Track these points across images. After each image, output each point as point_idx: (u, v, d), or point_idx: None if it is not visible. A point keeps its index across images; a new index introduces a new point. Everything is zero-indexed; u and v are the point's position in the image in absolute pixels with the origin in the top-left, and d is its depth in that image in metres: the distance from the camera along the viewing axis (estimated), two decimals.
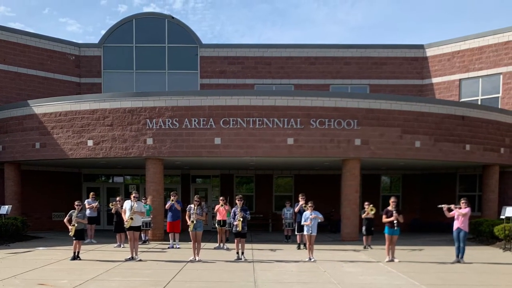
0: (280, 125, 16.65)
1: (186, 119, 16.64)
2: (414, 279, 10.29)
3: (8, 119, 18.88)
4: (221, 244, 15.55)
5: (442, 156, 17.84)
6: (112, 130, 16.96)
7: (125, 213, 12.88)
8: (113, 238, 16.31)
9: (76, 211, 12.81)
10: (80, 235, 12.94)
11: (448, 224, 13.86)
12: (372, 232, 15.85)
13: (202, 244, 13.95)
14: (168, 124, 16.67)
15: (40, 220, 21.50)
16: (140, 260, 12.60)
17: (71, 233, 12.65)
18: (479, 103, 21.74)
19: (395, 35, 62.77)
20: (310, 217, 12.90)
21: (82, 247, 13.46)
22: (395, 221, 12.71)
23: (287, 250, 15.13)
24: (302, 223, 13.39)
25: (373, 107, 17.05)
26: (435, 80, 23.41)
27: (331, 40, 65.30)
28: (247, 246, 13.95)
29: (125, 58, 23.71)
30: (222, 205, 15.42)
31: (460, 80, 22.65)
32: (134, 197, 12.88)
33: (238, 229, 12.81)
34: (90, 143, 17.17)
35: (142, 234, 15.76)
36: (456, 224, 12.89)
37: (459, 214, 12.78)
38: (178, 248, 15.34)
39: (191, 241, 12.96)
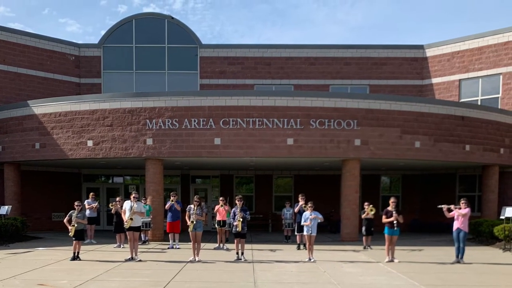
0: (280, 125, 16.66)
1: (186, 120, 16.65)
2: (414, 279, 10.29)
3: (8, 120, 18.88)
4: (221, 245, 15.55)
5: (441, 156, 17.84)
6: (112, 131, 16.96)
7: (124, 213, 12.88)
8: (113, 239, 16.31)
9: (76, 211, 12.81)
10: (80, 236, 12.94)
11: (448, 225, 13.86)
12: (372, 232, 15.85)
13: (202, 244, 13.95)
14: (168, 125, 16.67)
15: (40, 220, 21.50)
16: (140, 261, 12.60)
17: (71, 234, 12.65)
18: (479, 103, 21.75)
19: (395, 35, 62.86)
20: (310, 218, 12.91)
21: (82, 247, 13.46)
22: (395, 222, 12.71)
23: (287, 251, 15.13)
24: (302, 223, 13.39)
25: (373, 107, 17.06)
26: (435, 80, 23.42)
27: (331, 41, 65.40)
28: (247, 246, 13.95)
29: (125, 59, 23.71)
30: (222, 206, 15.43)
31: (460, 80, 22.66)
32: (134, 197, 12.88)
33: (238, 229, 12.81)
34: (90, 143, 17.17)
35: (142, 235, 15.75)
36: (456, 225, 12.89)
37: (459, 215, 12.78)
38: (178, 248, 15.34)
39: (191, 242, 12.96)
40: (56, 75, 23.00)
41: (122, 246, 15.49)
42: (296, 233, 15.86)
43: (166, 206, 15.62)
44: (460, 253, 12.79)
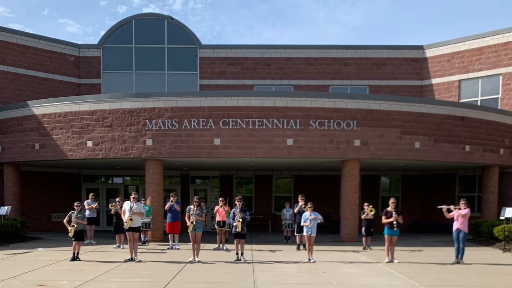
0: (279, 126, 16.66)
1: (186, 120, 16.65)
2: (413, 280, 10.29)
3: (8, 120, 18.88)
4: (221, 245, 15.54)
5: (441, 157, 17.84)
6: (111, 131, 16.96)
7: (124, 214, 12.87)
8: (113, 239, 16.31)
9: (75, 212, 12.81)
10: (80, 236, 12.93)
11: (447, 225, 13.85)
12: (372, 233, 15.85)
13: (202, 245, 13.95)
14: (167, 125, 16.67)
15: (40, 221, 21.49)
16: (139, 261, 12.60)
17: (71, 234, 12.65)
18: (479, 104, 21.75)
19: (395, 35, 62.87)
20: (309, 218, 12.90)
21: (82, 248, 13.46)
22: (394, 222, 12.71)
23: (287, 251, 15.13)
24: (302, 224, 13.39)
25: (373, 108, 17.07)
26: (434, 81, 23.42)
27: (330, 41, 65.39)
28: (246, 247, 13.94)
29: (124, 59, 23.71)
30: (221, 206, 15.42)
31: (459, 81, 22.66)
32: (133, 198, 12.87)
33: (237, 230, 12.81)
34: (89, 144, 17.17)
35: (141, 235, 15.74)
36: (455, 225, 12.89)
37: (459, 215, 12.79)
38: (178, 249, 15.34)
39: (190, 242, 12.96)
40: (55, 75, 23.00)
41: (121, 246, 15.48)
42: (295, 234, 15.85)
43: (166, 207, 15.62)
44: (460, 254, 12.79)
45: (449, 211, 12.99)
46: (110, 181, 24.27)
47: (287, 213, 17.50)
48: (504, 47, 21.40)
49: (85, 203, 17.60)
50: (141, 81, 23.56)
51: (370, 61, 23.76)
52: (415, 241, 18.01)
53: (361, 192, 19.20)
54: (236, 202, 12.90)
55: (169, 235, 15.68)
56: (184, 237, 15.60)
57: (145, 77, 23.63)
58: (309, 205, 13.17)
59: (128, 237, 12.88)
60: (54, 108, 17.71)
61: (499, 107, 21.11)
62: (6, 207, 17.14)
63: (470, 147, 18.29)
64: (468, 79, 22.44)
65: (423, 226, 22.58)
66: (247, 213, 13.05)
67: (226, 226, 15.48)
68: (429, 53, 23.60)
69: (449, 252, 13.70)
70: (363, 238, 15.89)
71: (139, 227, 13.41)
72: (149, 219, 16.44)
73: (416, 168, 22.20)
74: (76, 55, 23.67)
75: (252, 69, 23.75)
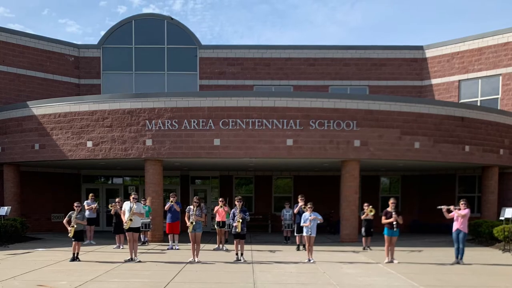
0: (279, 126, 16.66)
1: (186, 120, 16.64)
2: (413, 280, 10.29)
3: (7, 120, 18.88)
4: (221, 245, 15.54)
5: (441, 157, 17.84)
6: (111, 131, 16.96)
7: (124, 214, 12.87)
8: (112, 239, 16.31)
9: (75, 212, 12.81)
10: (79, 236, 12.93)
11: (447, 225, 13.85)
12: (372, 233, 15.85)
13: (202, 245, 13.95)
14: (167, 125, 16.67)
15: (39, 221, 21.48)
16: (139, 261, 12.59)
17: (70, 234, 12.64)
18: (479, 104, 21.76)
19: (395, 36, 62.90)
20: (309, 218, 12.90)
21: (82, 248, 13.45)
22: (394, 222, 12.71)
23: (286, 251, 15.13)
24: (301, 224, 13.39)
25: (372, 108, 17.07)
26: (434, 81, 23.43)
27: (330, 41, 65.25)
28: (246, 247, 13.93)
29: (124, 59, 23.71)
30: (221, 206, 15.42)
31: (459, 81, 22.66)
32: (133, 198, 12.86)
33: (237, 230, 12.80)
34: (89, 144, 17.17)
35: (141, 235, 15.74)
36: (455, 225, 12.89)
37: (459, 215, 12.78)
38: (177, 249, 15.33)
39: (190, 242, 12.96)
40: (55, 76, 23.01)
41: (121, 247, 15.48)
42: (295, 234, 15.84)
43: (166, 207, 15.62)
44: (459, 254, 12.79)
45: (449, 211, 12.99)
46: (110, 182, 24.26)
47: (287, 213, 17.50)
48: (504, 48, 21.41)
49: (85, 203, 17.59)
50: (141, 82, 23.56)
51: (369, 61, 23.76)
52: (415, 241, 18.02)
53: (360, 192, 19.21)
54: (236, 203, 12.90)
55: (169, 236, 15.68)
56: (184, 238, 15.60)
57: (145, 78, 23.64)
58: (308, 206, 13.17)
59: (128, 238, 12.88)
60: (53, 109, 17.70)
61: (499, 108, 21.12)
62: (6, 208, 17.12)
63: (470, 148, 18.30)
64: (468, 79, 22.44)
65: (423, 226, 22.57)
66: (247, 213, 13.04)
67: (226, 227, 15.48)
68: (428, 53, 23.61)
69: (449, 253, 13.70)
70: (363, 239, 15.89)
71: (139, 227, 13.40)
72: (149, 220, 16.44)
73: (416, 169, 22.20)
74: (76, 56, 23.67)
75: (252, 69, 23.76)
